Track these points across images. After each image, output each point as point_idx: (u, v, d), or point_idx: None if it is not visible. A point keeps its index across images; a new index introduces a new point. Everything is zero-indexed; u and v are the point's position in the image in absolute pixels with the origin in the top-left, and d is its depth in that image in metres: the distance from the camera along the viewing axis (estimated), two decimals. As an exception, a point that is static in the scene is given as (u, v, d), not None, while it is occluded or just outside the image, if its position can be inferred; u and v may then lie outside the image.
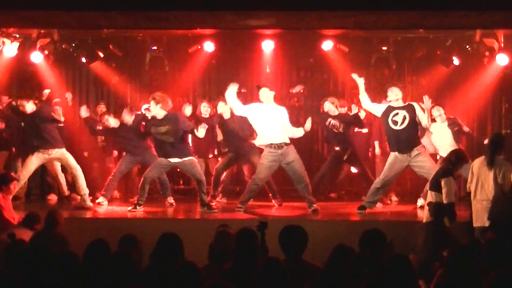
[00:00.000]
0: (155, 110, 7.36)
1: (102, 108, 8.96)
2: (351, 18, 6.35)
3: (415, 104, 7.15)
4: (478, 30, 8.44)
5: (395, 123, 7.08)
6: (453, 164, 6.12)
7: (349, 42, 9.12)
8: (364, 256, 3.57)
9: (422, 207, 7.77)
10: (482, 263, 3.72)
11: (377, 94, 9.52)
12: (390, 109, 7.15)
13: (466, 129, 8.15)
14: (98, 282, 3.52)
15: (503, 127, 9.22)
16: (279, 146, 7.17)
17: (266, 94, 7.31)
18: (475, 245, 4.02)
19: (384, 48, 9.23)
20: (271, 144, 7.18)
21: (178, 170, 8.35)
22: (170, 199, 8.24)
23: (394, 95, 7.15)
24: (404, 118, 7.05)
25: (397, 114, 7.10)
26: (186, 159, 7.43)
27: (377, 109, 7.30)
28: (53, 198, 8.55)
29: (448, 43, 8.89)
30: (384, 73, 9.57)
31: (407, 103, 7.19)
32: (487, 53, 8.55)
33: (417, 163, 7.08)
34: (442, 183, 5.96)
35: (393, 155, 7.16)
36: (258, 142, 7.54)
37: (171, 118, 7.38)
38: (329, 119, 8.19)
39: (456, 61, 8.91)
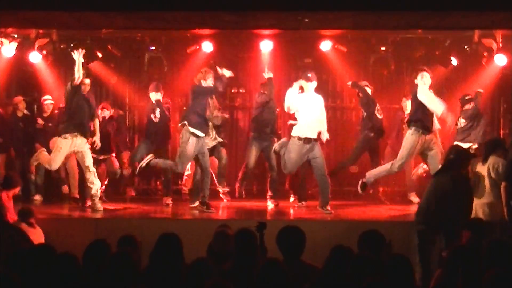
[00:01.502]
0: None
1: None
2: (350, 19, 6.39)
3: None
4: (476, 31, 8.45)
5: None
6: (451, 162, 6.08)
7: (348, 42, 9.14)
8: (363, 257, 3.58)
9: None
10: (482, 263, 3.71)
11: (376, 95, 9.58)
12: None
13: None
14: (98, 283, 3.53)
15: (502, 127, 9.24)
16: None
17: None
18: (474, 245, 4.04)
19: (383, 48, 9.24)
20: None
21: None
22: (168, 200, 8.27)
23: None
24: None
25: None
26: None
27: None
28: (38, 198, 8.48)
29: (447, 44, 8.91)
30: (383, 74, 9.57)
31: None
32: (485, 54, 8.59)
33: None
34: None
35: None
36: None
37: None
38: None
39: (454, 61, 8.93)
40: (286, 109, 7.57)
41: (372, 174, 7.51)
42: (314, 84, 7.51)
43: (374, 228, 4.26)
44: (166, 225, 6.35)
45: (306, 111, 7.38)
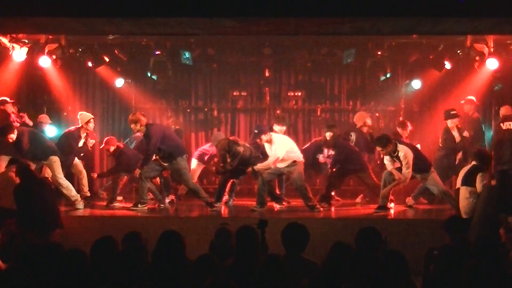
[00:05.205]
0: None
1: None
2: (347, 24, 6.39)
3: None
4: (469, 36, 8.59)
5: None
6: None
7: (345, 47, 9.29)
8: (361, 253, 3.69)
9: (411, 206, 8.10)
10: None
11: (372, 97, 9.79)
12: None
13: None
14: (105, 278, 3.65)
15: (493, 129, 9.35)
16: None
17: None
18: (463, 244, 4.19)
19: (379, 52, 9.38)
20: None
21: None
22: (172, 197, 8.51)
23: None
24: None
25: None
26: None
27: None
28: None
29: (440, 48, 9.03)
30: (379, 77, 9.73)
31: None
32: (477, 58, 8.71)
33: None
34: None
35: None
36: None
37: None
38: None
39: (448, 65, 9.05)
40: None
41: (384, 195, 7.66)
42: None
43: (370, 225, 4.37)
44: (169, 223, 6.53)
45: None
